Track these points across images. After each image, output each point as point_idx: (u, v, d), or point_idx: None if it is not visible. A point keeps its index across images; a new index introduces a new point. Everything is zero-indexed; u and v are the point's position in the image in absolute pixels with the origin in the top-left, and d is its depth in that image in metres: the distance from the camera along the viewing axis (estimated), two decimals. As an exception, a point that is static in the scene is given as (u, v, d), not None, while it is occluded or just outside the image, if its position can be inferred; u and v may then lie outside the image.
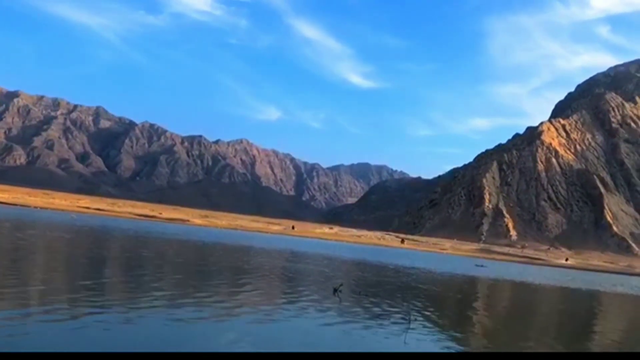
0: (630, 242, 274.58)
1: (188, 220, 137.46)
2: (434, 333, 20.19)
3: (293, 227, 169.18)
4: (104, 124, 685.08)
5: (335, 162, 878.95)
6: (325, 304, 23.95)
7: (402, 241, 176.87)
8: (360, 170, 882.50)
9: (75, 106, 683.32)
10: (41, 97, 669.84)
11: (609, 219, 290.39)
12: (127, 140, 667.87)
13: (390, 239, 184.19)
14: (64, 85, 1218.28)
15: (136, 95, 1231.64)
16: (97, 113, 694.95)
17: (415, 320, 21.61)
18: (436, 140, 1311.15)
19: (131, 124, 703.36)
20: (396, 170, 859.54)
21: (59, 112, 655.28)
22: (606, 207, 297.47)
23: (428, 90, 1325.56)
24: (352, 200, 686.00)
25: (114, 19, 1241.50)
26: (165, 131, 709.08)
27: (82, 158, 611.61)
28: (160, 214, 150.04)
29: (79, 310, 16.26)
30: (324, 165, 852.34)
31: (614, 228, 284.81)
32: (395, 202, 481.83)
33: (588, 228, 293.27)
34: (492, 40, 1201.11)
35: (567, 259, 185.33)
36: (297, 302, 23.34)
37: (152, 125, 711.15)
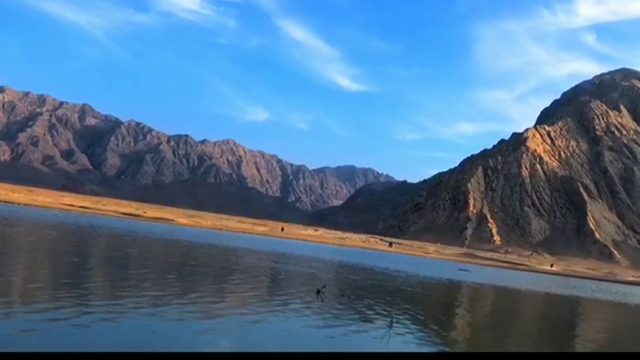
0: (612, 249, 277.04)
1: (173, 220, 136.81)
2: (416, 336, 20.30)
3: (282, 229, 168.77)
4: (90, 121, 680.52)
5: (321, 164, 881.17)
6: (307, 304, 23.98)
7: (390, 245, 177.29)
8: (347, 173, 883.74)
9: (61, 103, 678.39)
10: (27, 93, 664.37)
11: (591, 226, 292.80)
12: (112, 138, 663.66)
13: (374, 242, 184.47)
14: (50, 81, 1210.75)
15: (123, 94, 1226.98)
16: (83, 110, 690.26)
17: (398, 322, 21.73)
18: (422, 144, 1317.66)
19: (117, 122, 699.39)
20: (382, 174, 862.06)
21: (44, 109, 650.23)
22: (589, 214, 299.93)
23: (415, 94, 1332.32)
24: (337, 202, 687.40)
25: (102, 16, 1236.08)
26: (152, 130, 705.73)
27: (67, 155, 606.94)
28: (145, 212, 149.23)
29: (60, 310, 16.17)
30: (310, 167, 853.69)
31: (597, 235, 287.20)
32: (380, 205, 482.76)
33: (571, 234, 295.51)
34: (480, 45, 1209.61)
35: (552, 265, 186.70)
36: (279, 303, 23.38)
37: (138, 124, 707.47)
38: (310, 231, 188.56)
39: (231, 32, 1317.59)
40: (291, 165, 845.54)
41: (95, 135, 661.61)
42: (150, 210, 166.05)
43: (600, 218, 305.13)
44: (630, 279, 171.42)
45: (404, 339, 18.99)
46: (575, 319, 39.28)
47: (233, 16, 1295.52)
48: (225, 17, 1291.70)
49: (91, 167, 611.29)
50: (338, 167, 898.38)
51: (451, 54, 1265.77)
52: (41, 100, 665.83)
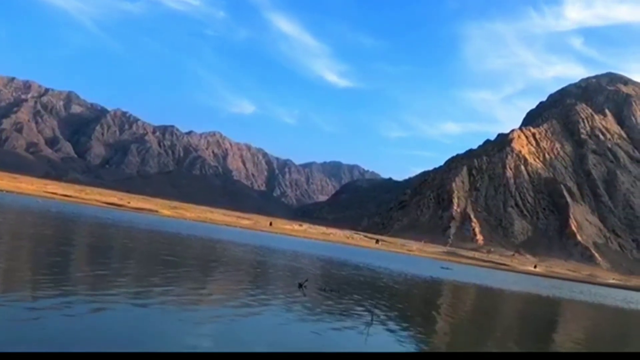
0: (593, 251, 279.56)
1: (156, 211, 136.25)
2: (396, 331, 20.31)
3: (271, 224, 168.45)
4: (75, 109, 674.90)
5: (307, 159, 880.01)
6: (289, 298, 23.96)
7: (377, 242, 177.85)
8: (332, 169, 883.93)
9: (47, 90, 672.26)
10: (12, 79, 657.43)
11: (573, 228, 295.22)
12: (98, 127, 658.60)
13: (358, 238, 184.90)
14: (35, 68, 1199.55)
15: (109, 82, 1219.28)
16: (69, 98, 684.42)
17: (378, 318, 21.77)
18: (408, 143, 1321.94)
19: (103, 111, 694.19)
20: (368, 171, 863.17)
21: (29, 95, 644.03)
22: (571, 216, 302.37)
23: (402, 92, 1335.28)
24: (322, 198, 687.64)
25: (90, 3, 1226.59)
26: (137, 120, 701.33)
27: (52, 143, 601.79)
28: (129, 203, 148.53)
29: (39, 300, 16.03)
30: (297, 162, 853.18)
31: (578, 237, 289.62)
32: (365, 202, 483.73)
33: (553, 236, 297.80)
34: (468, 45, 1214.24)
35: (535, 266, 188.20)
36: (260, 296, 23.33)
37: (124, 113, 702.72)
38: (294, 226, 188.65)
39: (219, 23, 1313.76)
40: (277, 159, 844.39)
41: (80, 124, 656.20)
42: (134, 201, 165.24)
43: (583, 220, 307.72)
44: (611, 281, 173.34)
45: (384, 335, 19.01)
46: (554, 318, 39.60)
47: (222, 7, 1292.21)
48: (214, 8, 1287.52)
49: (75, 155, 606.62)
50: (324, 163, 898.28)
51: (439, 53, 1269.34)
52: (26, 86, 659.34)
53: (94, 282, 20.60)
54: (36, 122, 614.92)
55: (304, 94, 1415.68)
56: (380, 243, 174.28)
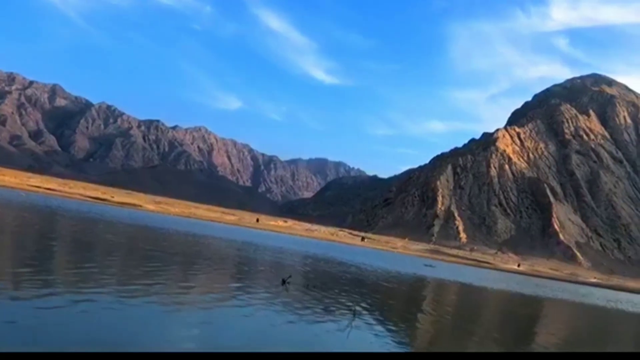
0: (575, 250, 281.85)
1: (140, 206, 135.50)
2: (378, 327, 20.49)
3: (258, 220, 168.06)
4: (60, 102, 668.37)
5: (293, 156, 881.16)
6: (272, 294, 24.05)
7: (363, 239, 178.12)
8: (318, 166, 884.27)
9: (31, 82, 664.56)
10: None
11: (556, 227, 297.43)
12: (82, 121, 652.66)
13: (343, 235, 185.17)
14: (20, 60, 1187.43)
15: (94, 75, 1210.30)
16: (54, 91, 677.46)
17: (360, 314, 21.92)
18: (394, 140, 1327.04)
19: (88, 104, 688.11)
20: (353, 168, 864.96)
21: (13, 87, 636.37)
22: (554, 215, 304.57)
23: (389, 90, 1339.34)
24: (308, 194, 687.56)
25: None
26: (123, 113, 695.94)
27: (35, 136, 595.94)
28: (112, 197, 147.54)
29: (20, 294, 16.00)
30: (282, 158, 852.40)
31: (561, 236, 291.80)
32: (350, 199, 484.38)
33: (535, 235, 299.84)
34: (454, 45, 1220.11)
35: (518, 265, 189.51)
36: (243, 292, 23.39)
37: (109, 107, 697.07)
38: (279, 222, 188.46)
39: (207, 18, 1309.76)
40: (263, 155, 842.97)
41: (64, 117, 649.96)
42: (118, 195, 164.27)
43: (565, 220, 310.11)
44: (592, 280, 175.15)
45: (366, 331, 19.17)
46: (536, 316, 40.02)
47: (209, 2, 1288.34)
48: (201, 2, 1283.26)
49: (59, 148, 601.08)
50: (310, 160, 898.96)
51: (425, 51, 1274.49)
52: (10, 78, 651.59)
53: (76, 277, 20.56)
54: (20, 115, 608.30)
55: (291, 91, 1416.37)
56: (365, 240, 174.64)
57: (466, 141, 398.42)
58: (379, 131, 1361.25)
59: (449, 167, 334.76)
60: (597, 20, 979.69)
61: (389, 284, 44.60)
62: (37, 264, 21.78)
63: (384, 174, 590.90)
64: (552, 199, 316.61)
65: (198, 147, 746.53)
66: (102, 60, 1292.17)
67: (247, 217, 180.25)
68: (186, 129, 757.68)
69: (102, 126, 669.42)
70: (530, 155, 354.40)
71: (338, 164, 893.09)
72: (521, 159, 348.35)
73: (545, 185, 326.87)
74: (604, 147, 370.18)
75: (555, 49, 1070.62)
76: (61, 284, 18.32)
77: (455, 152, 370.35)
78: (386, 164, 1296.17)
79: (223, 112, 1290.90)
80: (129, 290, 19.08)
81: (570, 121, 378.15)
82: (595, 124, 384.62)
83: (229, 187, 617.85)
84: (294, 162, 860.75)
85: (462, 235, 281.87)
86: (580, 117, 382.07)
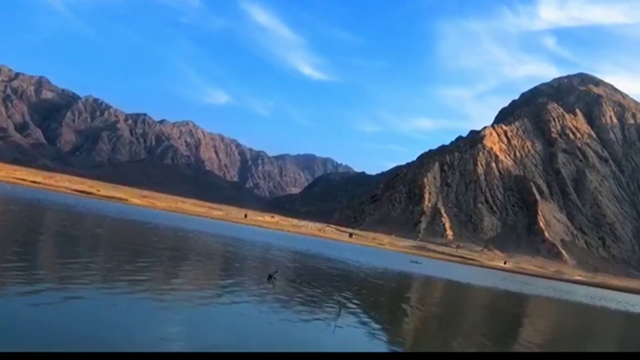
0: (560, 248, 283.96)
1: (126, 200, 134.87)
2: (364, 323, 20.54)
3: (246, 216, 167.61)
4: (46, 94, 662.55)
5: (281, 151, 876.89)
6: (258, 289, 24.04)
7: (350, 235, 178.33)
8: (306, 161, 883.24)
9: (17, 74, 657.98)
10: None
11: (541, 225, 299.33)
12: (69, 113, 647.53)
13: (330, 231, 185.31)
14: (6, 51, 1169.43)
15: (82, 68, 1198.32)
16: (40, 83, 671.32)
17: (346, 310, 21.97)
18: (381, 137, 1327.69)
19: (74, 97, 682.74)
20: (341, 164, 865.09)
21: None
22: (540, 213, 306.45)
23: (377, 86, 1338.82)
24: (295, 190, 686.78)
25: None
26: (109, 107, 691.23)
27: (21, 128, 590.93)
28: (98, 191, 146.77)
29: (4, 291, 15.90)
30: (270, 154, 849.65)
31: (546, 234, 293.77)
32: (338, 195, 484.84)
33: (521, 233, 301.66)
34: (442, 42, 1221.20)
35: (505, 262, 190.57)
36: (230, 287, 23.39)
37: (96, 100, 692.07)
38: (266, 217, 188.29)
39: (195, 11, 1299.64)
40: (250, 150, 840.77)
41: (51, 110, 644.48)
42: (104, 189, 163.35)
43: (551, 218, 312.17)
44: (577, 278, 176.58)
45: (352, 326, 19.22)
46: (521, 313, 40.28)
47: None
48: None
49: (45, 141, 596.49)
50: (298, 155, 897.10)
51: (413, 49, 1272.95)
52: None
53: (62, 271, 20.44)
54: (5, 107, 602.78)
55: (279, 86, 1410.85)
56: (353, 237, 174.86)
57: (453, 139, 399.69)
58: (367, 128, 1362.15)
59: (436, 164, 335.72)
60: (584, 20, 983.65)
61: (375, 279, 44.71)
62: (21, 258, 21.63)
63: (371, 171, 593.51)
64: (538, 197, 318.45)
65: (185, 141, 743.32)
66: (89, 53, 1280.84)
67: (234, 213, 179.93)
68: (173, 123, 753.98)
69: (89, 119, 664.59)
70: (517, 153, 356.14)
71: (326, 160, 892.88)
72: (508, 157, 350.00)
73: (532, 183, 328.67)
74: (590, 146, 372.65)
75: (543, 48, 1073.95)
76: (47, 280, 18.21)
77: (442, 150, 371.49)
78: (374, 161, 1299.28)
79: (211, 107, 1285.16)
80: (116, 286, 19.01)
81: (556, 120, 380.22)
82: (581, 123, 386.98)
83: (216, 182, 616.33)
84: (281, 157, 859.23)
85: (449, 232, 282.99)
86: (567, 116, 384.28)
